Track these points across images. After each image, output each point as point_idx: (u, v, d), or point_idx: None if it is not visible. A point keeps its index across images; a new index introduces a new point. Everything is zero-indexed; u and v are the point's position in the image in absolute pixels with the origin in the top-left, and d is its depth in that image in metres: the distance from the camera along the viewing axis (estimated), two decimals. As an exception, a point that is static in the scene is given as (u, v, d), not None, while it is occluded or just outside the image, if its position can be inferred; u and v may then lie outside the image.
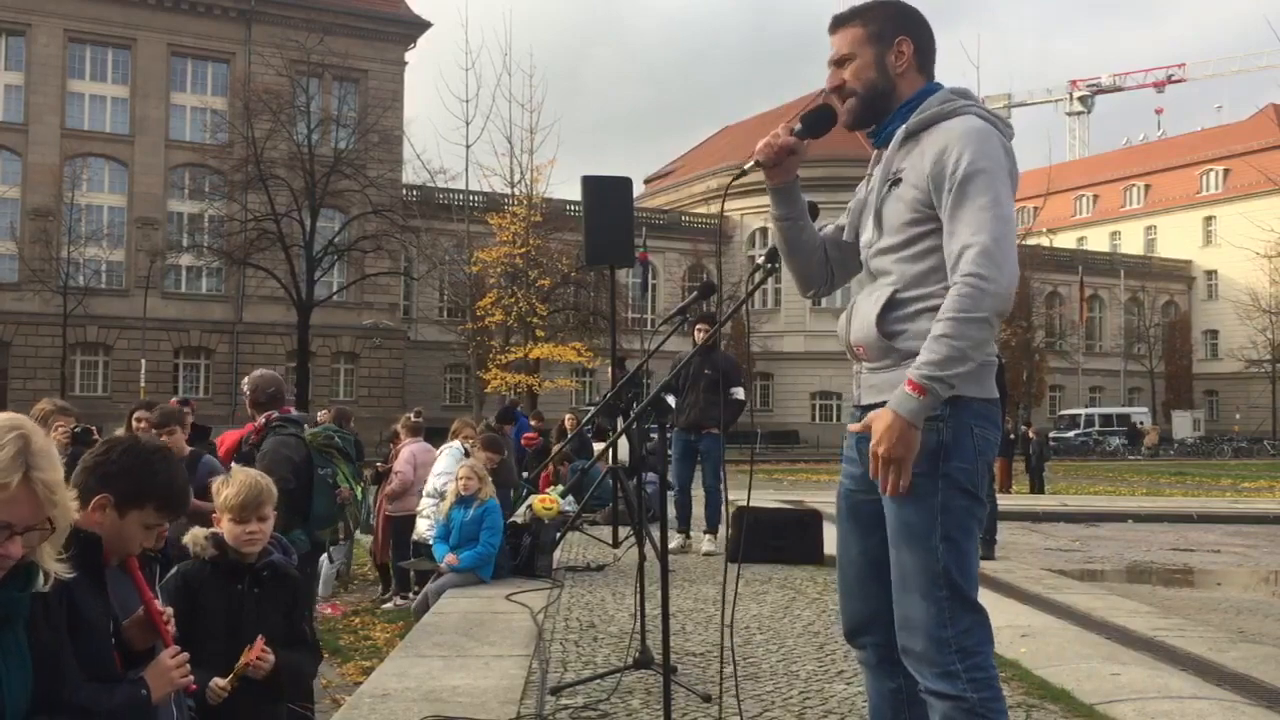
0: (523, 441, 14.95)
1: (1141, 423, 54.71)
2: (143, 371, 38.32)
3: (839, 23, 2.69)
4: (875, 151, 2.70)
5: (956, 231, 2.41)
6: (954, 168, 2.43)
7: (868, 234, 2.65)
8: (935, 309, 2.43)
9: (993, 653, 2.51)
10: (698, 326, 8.95)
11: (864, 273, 2.70)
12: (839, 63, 2.67)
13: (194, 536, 3.17)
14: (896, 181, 2.56)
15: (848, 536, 2.70)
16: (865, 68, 2.62)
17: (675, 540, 9.10)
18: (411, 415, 10.82)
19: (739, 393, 9.30)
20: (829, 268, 2.86)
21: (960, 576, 2.44)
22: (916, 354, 2.40)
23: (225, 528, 3.17)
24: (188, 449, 5.51)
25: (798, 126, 2.70)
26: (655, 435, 9.53)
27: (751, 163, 2.74)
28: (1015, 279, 2.40)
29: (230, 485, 3.22)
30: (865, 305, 2.59)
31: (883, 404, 2.44)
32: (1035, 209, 54.38)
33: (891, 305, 2.53)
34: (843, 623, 2.75)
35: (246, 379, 5.61)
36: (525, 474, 11.53)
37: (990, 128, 2.50)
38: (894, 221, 2.57)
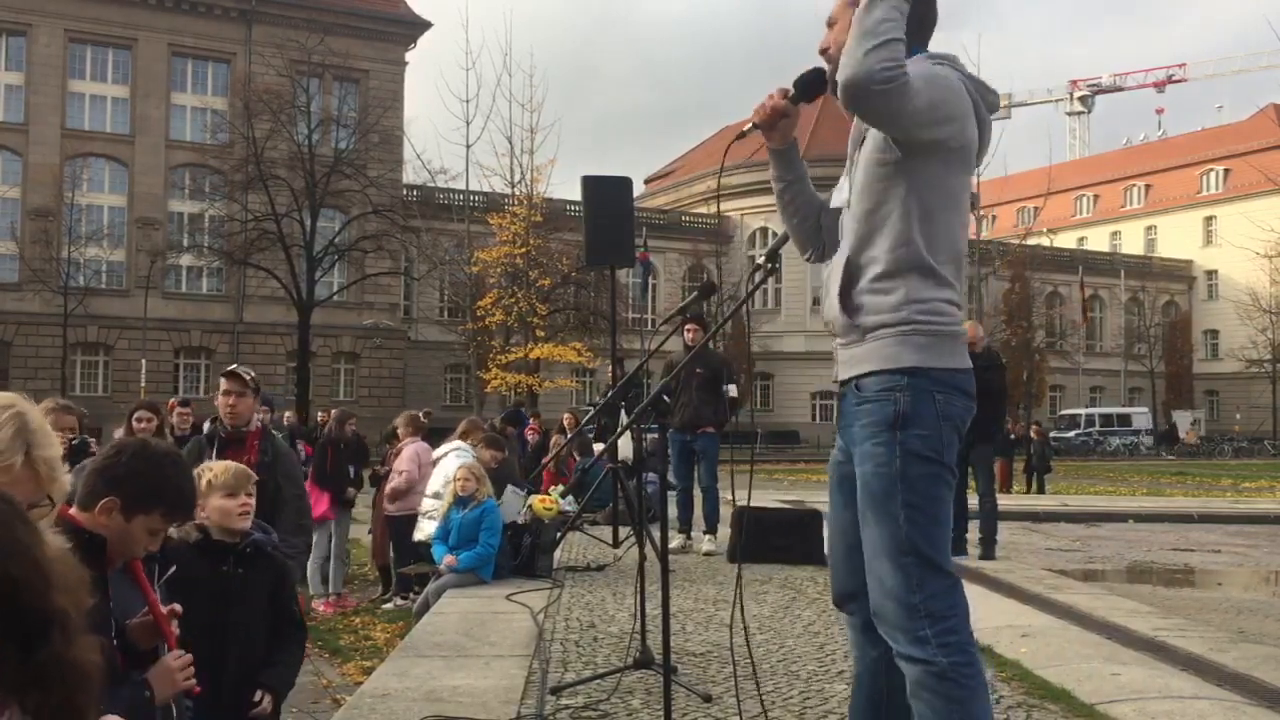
0: (528, 430, 15.05)
1: (1175, 423, 55.36)
2: (143, 371, 38.32)
3: None
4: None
5: None
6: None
7: (841, 195, 2.71)
8: (883, 276, 2.51)
9: (967, 619, 2.50)
10: (688, 327, 8.95)
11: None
12: (830, 24, 2.72)
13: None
14: (863, 138, 2.62)
15: (835, 506, 2.76)
16: (843, 32, 2.58)
17: (676, 540, 9.11)
18: (421, 415, 10.83)
19: (732, 390, 9.31)
20: (820, 239, 2.90)
21: (925, 543, 2.45)
22: (876, 327, 2.50)
23: (216, 506, 3.24)
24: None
25: (791, 91, 2.74)
26: (653, 435, 9.54)
27: (750, 125, 2.79)
28: (912, 100, 2.41)
29: (213, 469, 3.35)
30: (831, 280, 2.64)
31: (849, 381, 2.54)
32: (1035, 209, 54.38)
33: (850, 276, 2.57)
34: (831, 588, 2.81)
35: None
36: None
37: (944, 67, 2.55)
38: (860, 180, 2.62)
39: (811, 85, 2.72)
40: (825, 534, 9.02)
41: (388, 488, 9.49)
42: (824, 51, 2.71)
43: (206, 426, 5.23)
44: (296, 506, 4.80)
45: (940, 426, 2.49)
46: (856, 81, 2.37)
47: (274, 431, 5.36)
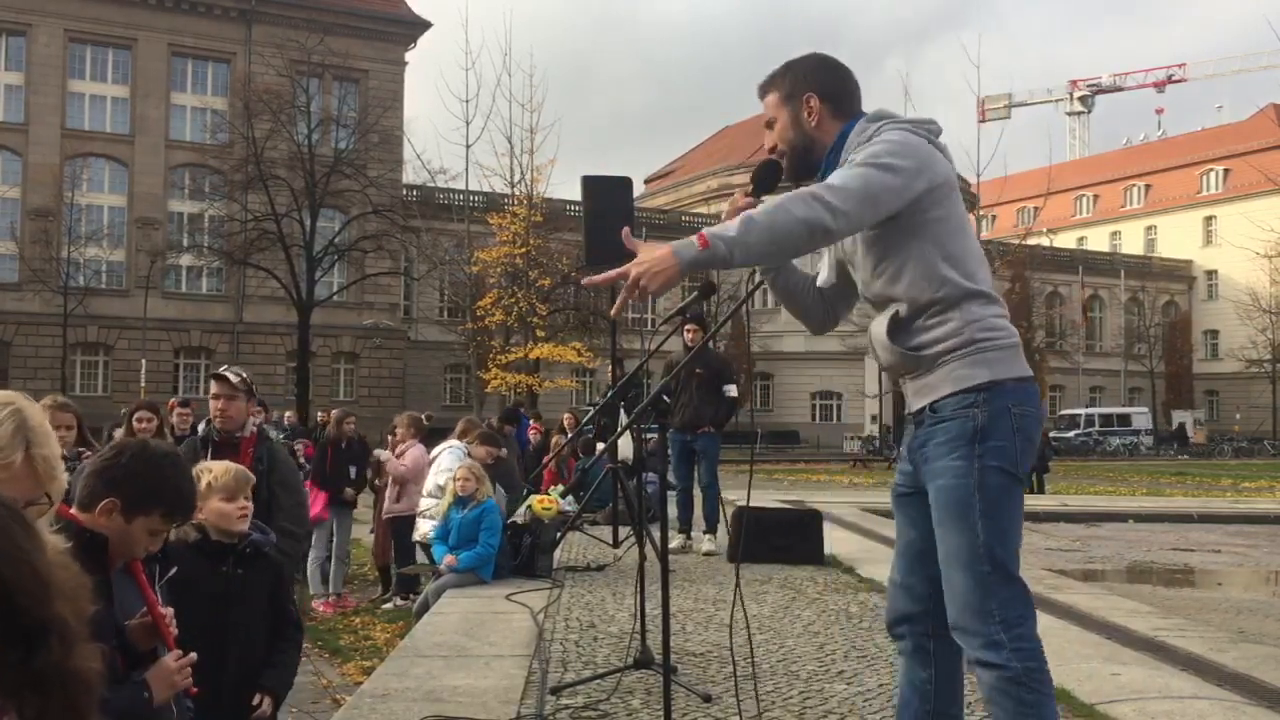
0: (530, 429, 15.05)
1: (1184, 424, 55.55)
2: (143, 371, 38.32)
3: (761, 92, 2.89)
4: None
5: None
6: (858, 154, 2.60)
7: (859, 274, 2.83)
8: (933, 311, 2.64)
9: (1035, 625, 2.62)
10: (687, 327, 8.96)
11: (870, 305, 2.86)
12: (769, 125, 2.89)
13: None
14: None
15: (900, 529, 2.88)
16: (785, 128, 2.83)
17: (676, 540, 9.11)
18: (423, 418, 10.83)
19: (731, 390, 9.31)
20: (825, 306, 3.02)
21: (1001, 552, 2.56)
22: (944, 354, 2.61)
23: (215, 508, 3.24)
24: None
25: (750, 188, 2.85)
26: (653, 435, 9.54)
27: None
28: (846, 223, 2.49)
29: (212, 470, 3.33)
30: (876, 333, 2.74)
31: (929, 405, 2.66)
32: (1035, 209, 54.41)
33: (898, 325, 2.69)
34: (886, 614, 2.89)
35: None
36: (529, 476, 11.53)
37: (906, 132, 2.65)
38: (861, 253, 2.76)
39: (768, 178, 2.88)
40: (825, 534, 9.05)
41: (390, 475, 9.48)
42: (772, 150, 2.87)
43: (201, 428, 5.02)
44: (294, 515, 4.64)
45: (1014, 439, 2.61)
46: (833, 230, 2.50)
47: (270, 435, 5.18)
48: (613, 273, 2.52)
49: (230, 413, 4.71)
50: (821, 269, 2.99)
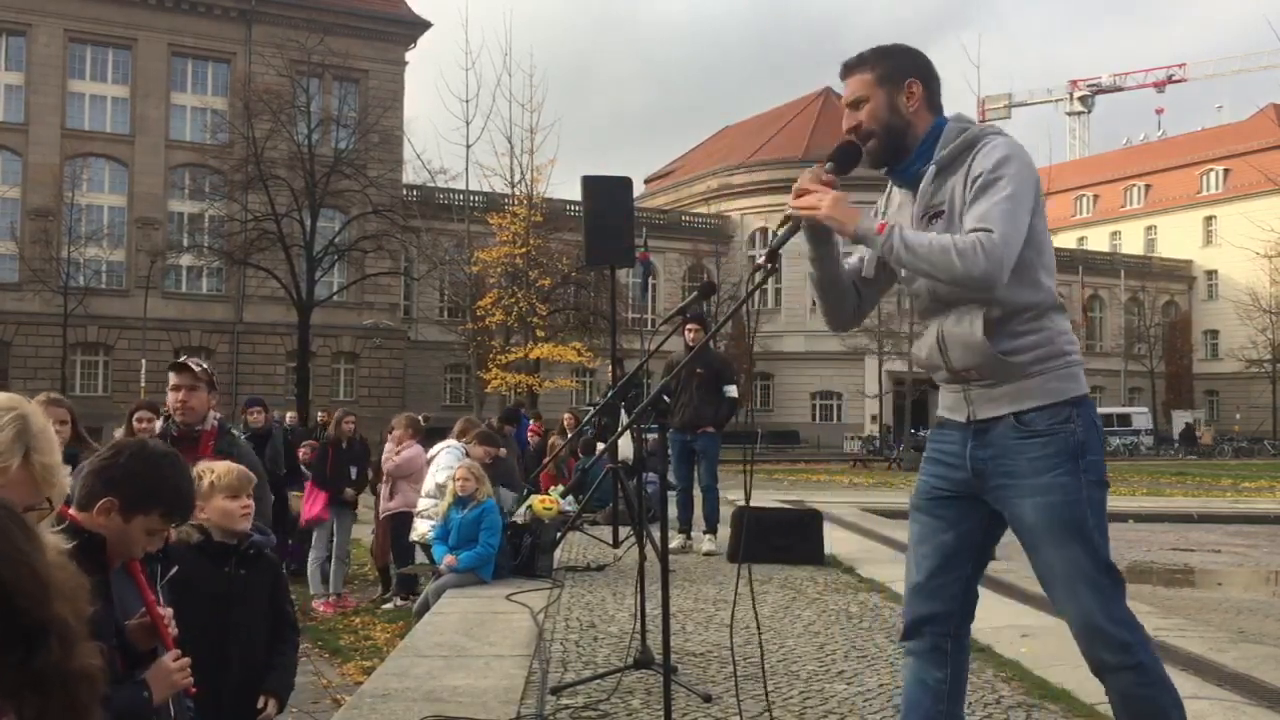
0: (530, 431, 15.03)
1: (1191, 424, 55.67)
2: (143, 371, 38.29)
3: (848, 69, 2.83)
4: (893, 189, 2.87)
5: (977, 211, 2.58)
6: (987, 170, 2.62)
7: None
8: (1029, 316, 2.66)
9: None
10: (688, 327, 8.96)
11: (924, 301, 2.79)
12: (854, 105, 2.79)
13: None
14: (938, 214, 2.70)
15: (926, 532, 2.83)
16: (880, 109, 2.76)
17: (676, 540, 9.11)
18: (420, 418, 10.84)
19: (731, 390, 9.30)
20: (858, 301, 2.99)
21: (1110, 559, 2.68)
22: (1034, 363, 2.63)
23: (218, 507, 3.24)
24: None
25: (829, 165, 2.79)
26: (653, 435, 9.53)
27: (788, 215, 2.78)
28: (1000, 281, 2.55)
29: (214, 470, 3.33)
30: (961, 331, 2.69)
31: (1002, 417, 2.66)
32: (1035, 209, 54.32)
33: (990, 321, 2.66)
34: (907, 615, 2.86)
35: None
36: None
37: (1019, 152, 2.67)
38: None
39: (846, 159, 2.81)
40: (825, 534, 9.05)
41: (385, 468, 9.49)
42: (854, 130, 2.80)
43: (159, 425, 4.71)
44: (259, 512, 4.46)
45: (1102, 450, 2.71)
46: (986, 284, 2.54)
47: (233, 430, 4.84)
48: (811, 198, 2.66)
49: (192, 404, 4.42)
50: (864, 258, 2.94)
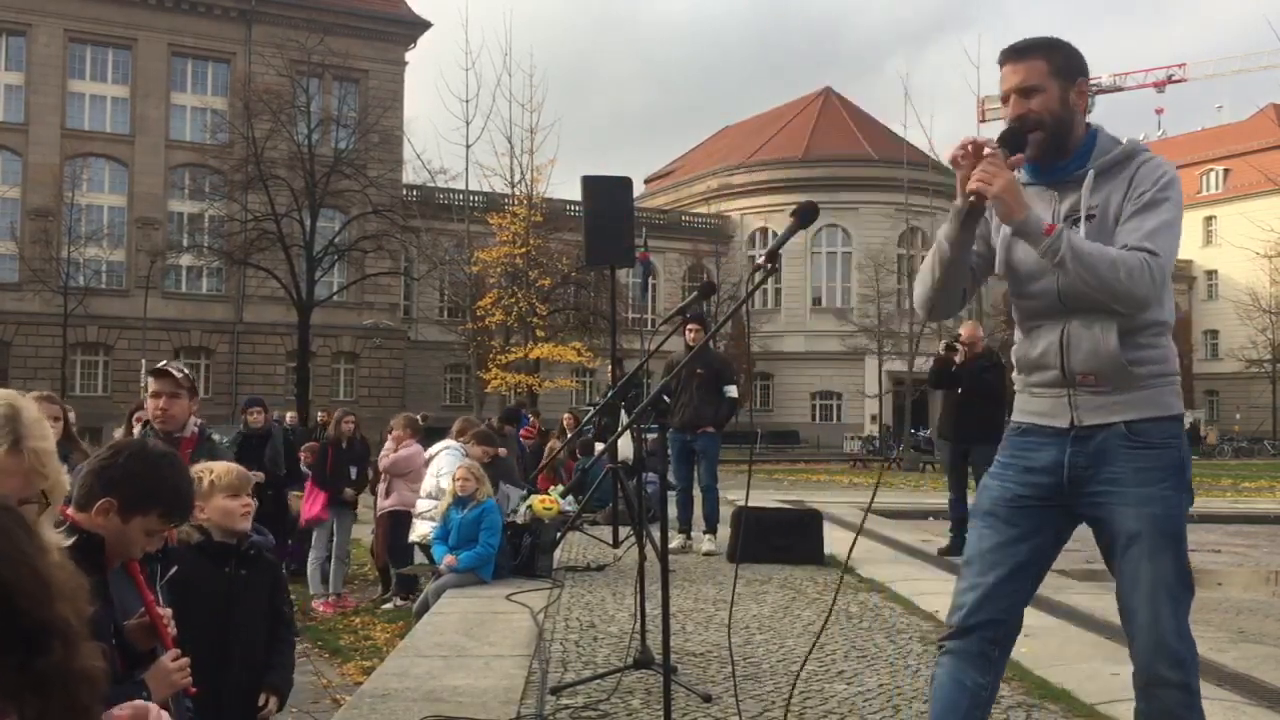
0: (521, 435, 15.00)
1: (1196, 424, 55.86)
2: (143, 372, 38.12)
3: (1021, 53, 2.75)
4: (1034, 187, 2.76)
5: (1144, 229, 2.60)
6: (1152, 187, 2.64)
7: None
8: (1152, 332, 2.69)
9: None
10: (689, 327, 8.96)
11: (1043, 302, 2.76)
12: (1024, 93, 2.72)
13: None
14: (1089, 218, 2.69)
15: (1000, 539, 2.79)
16: (1053, 101, 2.71)
17: (676, 540, 9.11)
18: (418, 418, 10.85)
19: (731, 390, 9.31)
20: (966, 288, 2.94)
21: (1190, 572, 2.71)
22: (1151, 377, 2.68)
23: (219, 506, 3.25)
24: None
25: (1001, 150, 2.70)
26: (653, 435, 9.53)
27: (970, 196, 2.69)
28: (1153, 302, 2.63)
29: (214, 470, 3.34)
30: (1091, 337, 2.69)
31: (1111, 425, 2.67)
32: (1035, 209, 54.34)
33: (1122, 329, 2.67)
34: (963, 617, 2.79)
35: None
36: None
37: (1174, 169, 2.72)
38: None
39: (1015, 142, 2.72)
40: (825, 534, 9.05)
41: (381, 465, 9.49)
42: (1022, 116, 2.72)
43: (137, 430, 4.58)
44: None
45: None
46: (1143, 304, 2.61)
47: (213, 437, 4.71)
48: (986, 174, 2.60)
49: (173, 412, 4.23)
50: (980, 253, 2.89)
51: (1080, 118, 2.75)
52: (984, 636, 2.77)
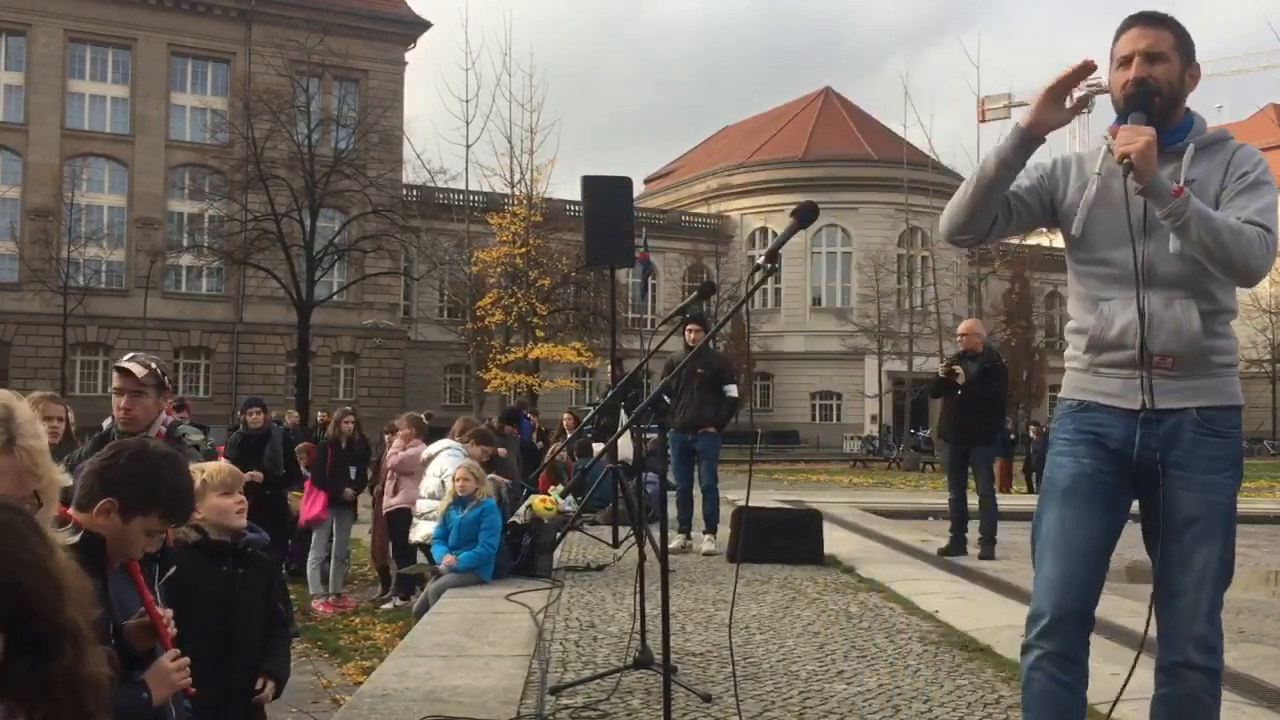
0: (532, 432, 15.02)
1: None
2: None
3: (1154, 21, 2.79)
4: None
5: (1253, 206, 2.63)
6: (1254, 169, 2.71)
7: (1149, 242, 2.69)
8: (1225, 320, 2.73)
9: None
10: (689, 327, 8.96)
11: (1116, 271, 2.74)
12: (1150, 59, 2.74)
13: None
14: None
15: (1085, 517, 2.74)
16: (1173, 73, 2.76)
17: (675, 540, 9.11)
18: (423, 417, 10.85)
19: (732, 390, 9.31)
20: (994, 223, 2.88)
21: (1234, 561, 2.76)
22: (1222, 366, 2.71)
23: (213, 505, 3.26)
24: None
25: (1137, 115, 2.68)
26: (653, 436, 9.53)
27: (1085, 93, 2.75)
28: (1263, 277, 2.66)
29: (205, 469, 3.36)
30: (1173, 317, 2.67)
31: (1184, 410, 2.68)
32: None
33: (1203, 315, 2.69)
34: (1054, 610, 2.70)
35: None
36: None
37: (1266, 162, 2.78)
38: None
39: (1146, 100, 2.72)
40: (825, 534, 9.05)
41: (389, 463, 9.49)
42: (1143, 80, 2.73)
43: (105, 423, 4.27)
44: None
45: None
46: (1257, 276, 2.64)
47: (186, 435, 4.33)
48: (1131, 135, 2.58)
49: (135, 412, 3.83)
50: (1025, 187, 2.88)
51: (1185, 98, 2.80)
52: (1078, 625, 2.72)
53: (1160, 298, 2.67)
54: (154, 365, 3.95)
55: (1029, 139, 2.74)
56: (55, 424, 4.49)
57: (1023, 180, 2.87)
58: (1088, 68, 2.72)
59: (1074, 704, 2.70)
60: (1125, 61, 2.75)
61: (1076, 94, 2.80)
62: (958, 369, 9.04)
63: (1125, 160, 2.56)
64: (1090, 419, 2.77)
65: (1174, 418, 2.69)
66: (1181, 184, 2.63)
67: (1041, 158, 2.94)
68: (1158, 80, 2.71)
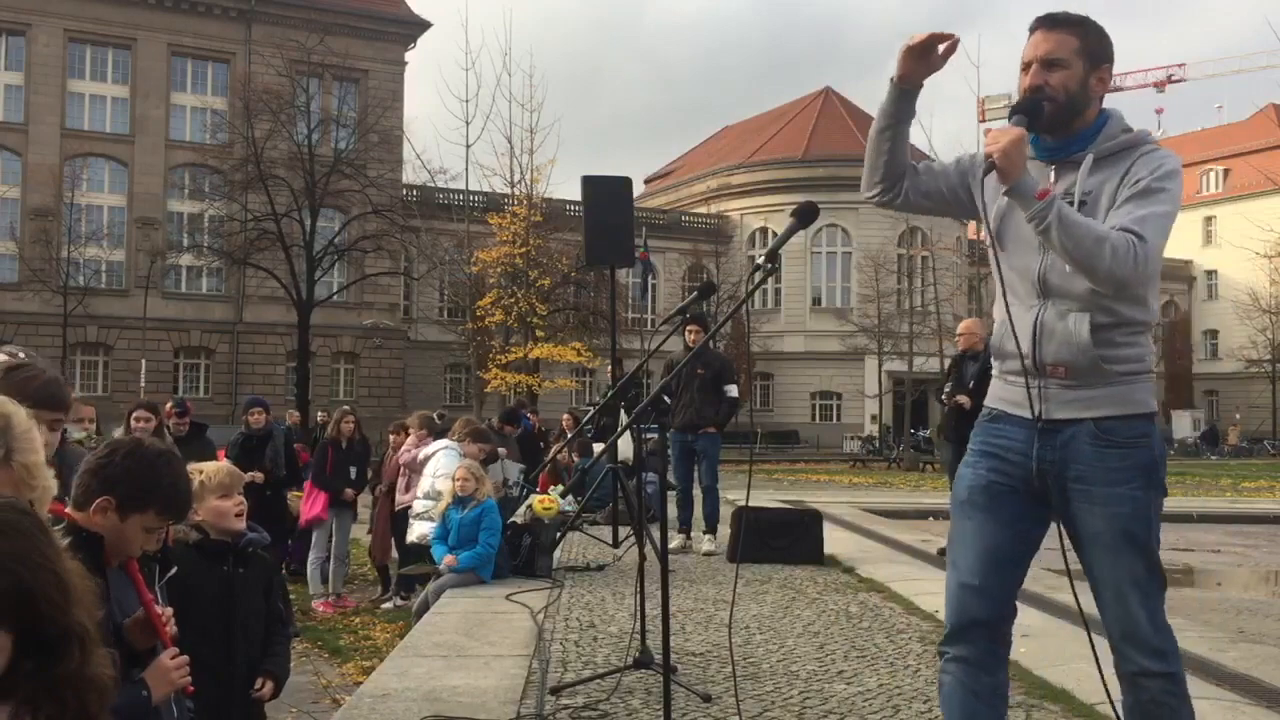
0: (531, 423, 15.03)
1: (1216, 424, 56.01)
2: (143, 371, 38.30)
3: (1053, 23, 2.70)
4: (1033, 162, 2.69)
5: (1135, 214, 2.54)
6: (1150, 175, 2.59)
7: (1042, 258, 2.67)
8: (1129, 330, 2.64)
9: None
10: (689, 327, 8.96)
11: (1028, 285, 2.72)
12: (1047, 65, 2.67)
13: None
14: (1081, 204, 2.64)
15: (983, 528, 2.74)
16: (1072, 80, 2.66)
17: (676, 540, 9.11)
18: (434, 416, 10.85)
19: (732, 390, 9.30)
20: (903, 180, 2.90)
21: (1160, 562, 2.70)
22: (1124, 374, 2.63)
23: (212, 507, 3.26)
24: None
25: (1016, 118, 2.66)
26: (653, 436, 9.53)
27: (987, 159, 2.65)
28: (1135, 288, 2.59)
29: (204, 470, 3.33)
30: (1064, 328, 2.64)
31: (1079, 421, 2.63)
32: (1035, 209, 54.35)
33: (1097, 324, 2.63)
34: (954, 618, 2.76)
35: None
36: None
37: (1179, 164, 2.67)
38: None
39: (1039, 110, 2.68)
40: (825, 534, 9.05)
41: (402, 460, 9.47)
42: (1038, 88, 2.67)
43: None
44: None
45: (1166, 463, 2.75)
46: (1123, 286, 2.56)
47: (73, 436, 3.98)
48: (998, 134, 2.56)
49: None
50: (948, 172, 2.89)
51: (1096, 103, 2.71)
52: (985, 636, 2.72)
53: (1053, 309, 2.66)
54: (28, 355, 3.27)
55: (902, 91, 2.78)
56: (86, 425, 4.68)
57: (950, 164, 2.92)
58: (946, 39, 2.72)
59: (987, 713, 2.71)
60: (1025, 67, 2.71)
61: (942, 47, 2.74)
62: (962, 399, 8.90)
63: (989, 159, 2.54)
64: (997, 430, 2.78)
65: (1070, 429, 2.65)
66: (1076, 197, 2.61)
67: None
68: (1053, 88, 2.64)
